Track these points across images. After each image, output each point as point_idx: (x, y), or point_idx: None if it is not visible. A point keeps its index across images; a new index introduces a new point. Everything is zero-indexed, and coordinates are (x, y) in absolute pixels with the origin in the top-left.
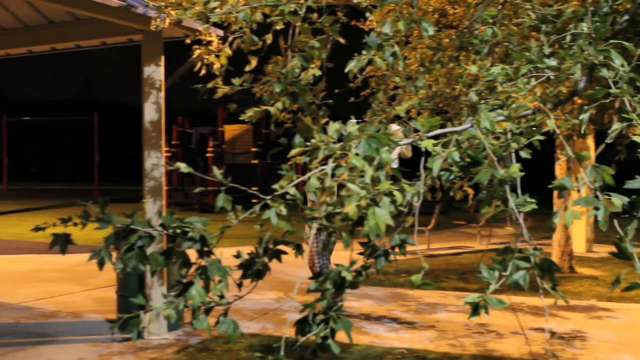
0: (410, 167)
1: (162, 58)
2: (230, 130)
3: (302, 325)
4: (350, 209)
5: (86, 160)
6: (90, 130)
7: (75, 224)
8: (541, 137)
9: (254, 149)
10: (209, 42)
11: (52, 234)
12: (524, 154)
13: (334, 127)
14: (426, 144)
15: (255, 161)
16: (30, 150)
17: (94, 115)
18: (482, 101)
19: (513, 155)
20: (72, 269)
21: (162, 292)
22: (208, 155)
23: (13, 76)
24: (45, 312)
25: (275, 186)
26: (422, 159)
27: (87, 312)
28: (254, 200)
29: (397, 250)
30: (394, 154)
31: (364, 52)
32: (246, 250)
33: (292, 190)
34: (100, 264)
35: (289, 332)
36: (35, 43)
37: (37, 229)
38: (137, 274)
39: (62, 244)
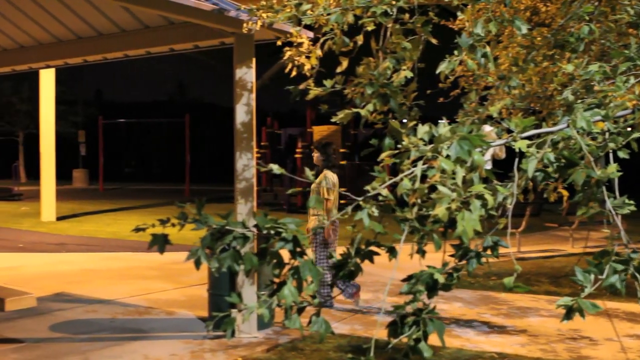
0: (503, 168)
1: (254, 60)
2: (319, 131)
3: (394, 327)
4: (440, 211)
5: (178, 161)
6: (182, 131)
7: (173, 225)
8: None
9: (342, 150)
10: (300, 44)
11: (151, 234)
12: (622, 154)
13: (423, 129)
14: (520, 145)
15: (343, 162)
16: (125, 151)
17: (185, 117)
18: (579, 100)
19: (610, 155)
20: (165, 267)
21: (252, 291)
22: (297, 156)
23: (108, 79)
24: (140, 308)
25: (368, 187)
26: (516, 160)
27: (180, 309)
28: (342, 201)
29: (489, 252)
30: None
31: (455, 52)
32: (339, 251)
33: (384, 192)
34: (197, 264)
35: (379, 333)
36: (131, 47)
37: (138, 229)
38: (228, 273)
39: (161, 244)
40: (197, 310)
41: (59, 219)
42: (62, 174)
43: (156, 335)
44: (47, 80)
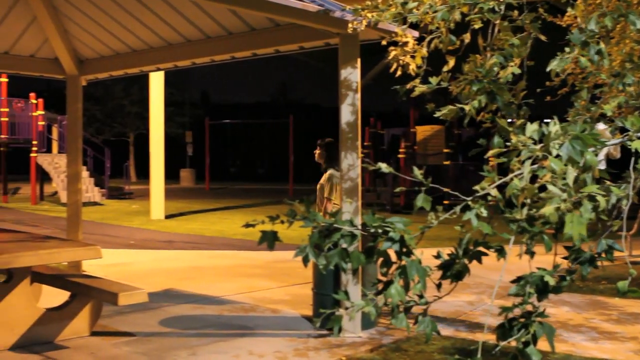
0: (618, 168)
1: (358, 60)
2: (422, 131)
3: (503, 330)
4: (549, 210)
5: (281, 161)
6: (285, 131)
7: (282, 222)
8: None
9: (445, 150)
10: (405, 43)
11: (260, 231)
12: None
13: (532, 127)
14: (637, 145)
15: (447, 162)
16: (230, 151)
17: (289, 118)
18: None
19: None
20: (270, 266)
21: (357, 290)
22: (400, 156)
23: (214, 81)
24: (245, 305)
25: (477, 187)
26: (632, 160)
27: (284, 307)
28: (445, 202)
29: (603, 255)
30: (601, 155)
31: (567, 49)
32: (446, 251)
33: (494, 192)
34: (305, 261)
35: (485, 336)
36: (238, 49)
37: (248, 225)
38: (333, 272)
39: (270, 240)
40: (301, 308)
41: (167, 217)
42: (170, 174)
43: (261, 332)
44: (157, 83)
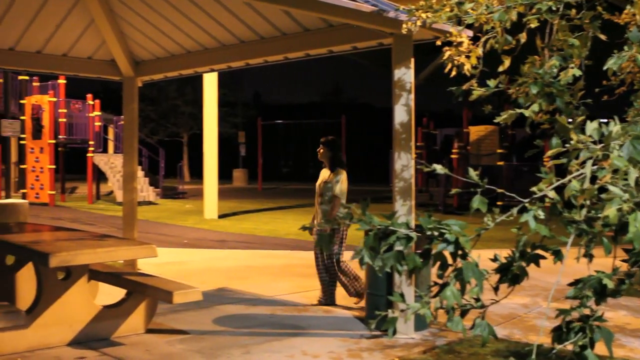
0: None
1: (412, 60)
2: (476, 132)
3: (559, 333)
4: (611, 212)
5: None
6: (337, 132)
7: (339, 225)
8: None
9: (499, 151)
10: (459, 44)
11: (316, 233)
12: None
13: (592, 126)
14: None
15: (501, 163)
16: (282, 151)
17: (341, 118)
18: None
19: None
20: None
21: (410, 291)
22: (453, 156)
23: (266, 81)
24: (297, 305)
25: (534, 189)
26: None
27: (336, 308)
28: (499, 203)
29: None
30: None
31: (625, 48)
32: (503, 253)
33: (552, 194)
34: (362, 263)
35: (540, 339)
36: (291, 50)
37: (305, 228)
38: (386, 273)
39: (326, 242)
40: (353, 309)
41: (220, 216)
42: (223, 174)
43: (314, 332)
44: (210, 84)
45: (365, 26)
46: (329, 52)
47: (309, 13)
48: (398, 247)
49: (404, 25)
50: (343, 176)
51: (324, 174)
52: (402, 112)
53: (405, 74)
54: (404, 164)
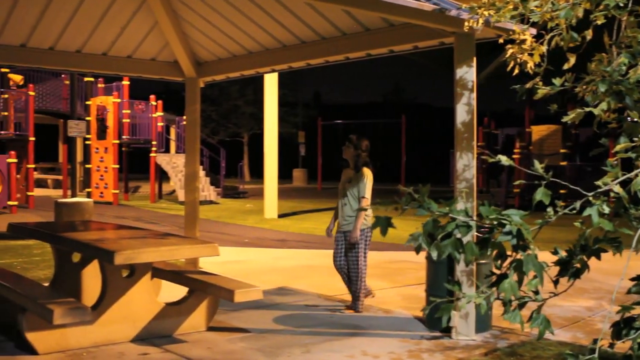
0: None
1: (474, 59)
2: (538, 131)
3: (619, 329)
4: None
5: (393, 161)
6: (397, 132)
7: (396, 209)
8: None
9: (562, 150)
10: (522, 41)
11: (374, 216)
12: None
13: None
14: None
15: (564, 163)
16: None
17: (401, 118)
18: None
19: None
20: (382, 266)
21: (471, 291)
22: (515, 156)
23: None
24: None
25: (599, 182)
26: None
27: (396, 308)
28: (561, 203)
29: None
30: None
31: None
32: (563, 247)
33: (617, 188)
34: (418, 249)
35: (604, 342)
36: (352, 50)
37: (360, 210)
38: (446, 272)
39: (384, 226)
40: (413, 310)
41: (280, 216)
42: (283, 173)
43: (374, 332)
44: (271, 84)
45: (427, 25)
46: (390, 51)
47: (370, 13)
48: (457, 234)
49: (466, 24)
50: (370, 176)
51: (348, 173)
52: (464, 111)
53: (467, 73)
54: (466, 163)
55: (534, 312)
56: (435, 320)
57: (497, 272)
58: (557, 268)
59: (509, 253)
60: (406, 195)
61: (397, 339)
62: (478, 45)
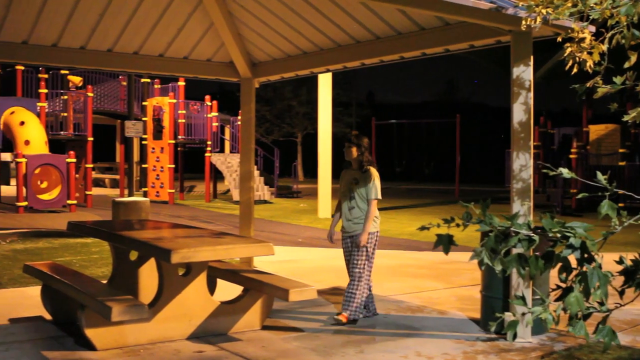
0: None
1: (531, 58)
2: (596, 130)
3: None
4: None
5: (447, 161)
6: (451, 131)
7: (458, 225)
8: None
9: (621, 150)
10: (581, 39)
11: (436, 234)
12: None
13: None
14: None
15: (622, 163)
16: (396, 151)
17: (455, 117)
18: None
19: None
20: (435, 267)
21: (527, 294)
22: (571, 156)
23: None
24: (411, 306)
25: None
26: None
27: (451, 309)
28: (620, 205)
29: None
30: None
31: None
32: (628, 256)
33: None
34: (481, 264)
35: None
36: (407, 49)
37: (422, 228)
38: (502, 275)
39: (446, 244)
40: (468, 311)
41: (333, 216)
42: (337, 173)
43: (428, 333)
44: (325, 84)
45: (483, 24)
46: (445, 50)
47: (425, 12)
48: (519, 249)
49: (523, 22)
50: (377, 176)
51: (352, 174)
52: (521, 110)
53: (524, 72)
54: (523, 164)
55: (600, 323)
56: (491, 321)
57: (562, 285)
58: (622, 277)
59: (573, 265)
60: (465, 212)
61: (452, 340)
62: (534, 43)
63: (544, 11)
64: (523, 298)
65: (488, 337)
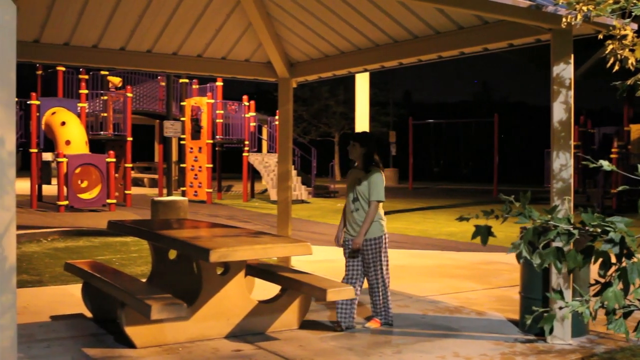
0: None
1: (572, 56)
2: (637, 130)
3: None
4: None
5: (485, 161)
6: (489, 131)
7: (497, 217)
8: None
9: None
10: (623, 37)
11: (474, 225)
12: None
13: None
14: None
15: None
16: (433, 151)
17: (493, 117)
18: None
19: None
20: (473, 267)
21: (568, 295)
22: (612, 156)
23: (416, 80)
24: (449, 306)
25: None
26: None
27: (489, 310)
28: None
29: None
30: None
31: None
32: None
33: None
34: (519, 257)
35: None
36: (445, 48)
37: (461, 218)
38: (542, 275)
39: (484, 235)
40: (506, 312)
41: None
42: None
43: (466, 334)
44: (362, 84)
45: (522, 22)
46: (484, 49)
47: (464, 10)
48: (557, 243)
49: (564, 20)
50: (381, 177)
51: (356, 174)
52: (561, 110)
53: (564, 71)
54: (563, 163)
55: None
56: (532, 316)
57: (601, 280)
58: None
59: (613, 261)
60: (506, 203)
61: (490, 341)
62: (574, 41)
63: (584, 8)
64: (561, 292)
65: (527, 339)
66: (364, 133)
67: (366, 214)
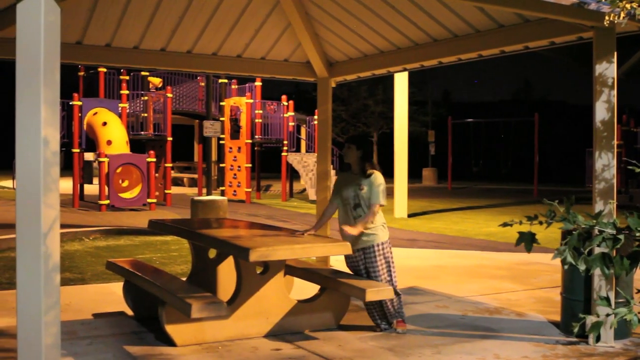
0: None
1: (615, 55)
2: None
3: None
4: None
5: (525, 161)
6: (529, 130)
7: (541, 223)
8: None
9: None
10: None
11: (518, 232)
12: None
13: None
14: None
15: None
16: (472, 150)
17: (534, 116)
18: None
19: None
20: (514, 268)
21: (610, 297)
22: None
23: (454, 79)
24: (489, 307)
25: None
26: None
27: (529, 311)
28: None
29: None
30: None
31: None
32: None
33: None
34: (564, 263)
35: None
36: (486, 47)
37: (504, 225)
38: (584, 276)
39: (528, 242)
40: (547, 313)
41: (410, 215)
42: (413, 173)
43: (506, 335)
44: (401, 83)
45: (564, 20)
46: (525, 48)
47: (504, 8)
48: (603, 248)
49: (607, 18)
50: (382, 179)
51: (352, 179)
52: (604, 109)
53: (607, 69)
54: (605, 163)
55: None
56: (580, 323)
57: None
58: None
59: None
60: (548, 210)
61: (531, 343)
62: (617, 39)
63: (628, 6)
64: (607, 299)
65: (568, 341)
66: (360, 135)
67: (366, 214)
